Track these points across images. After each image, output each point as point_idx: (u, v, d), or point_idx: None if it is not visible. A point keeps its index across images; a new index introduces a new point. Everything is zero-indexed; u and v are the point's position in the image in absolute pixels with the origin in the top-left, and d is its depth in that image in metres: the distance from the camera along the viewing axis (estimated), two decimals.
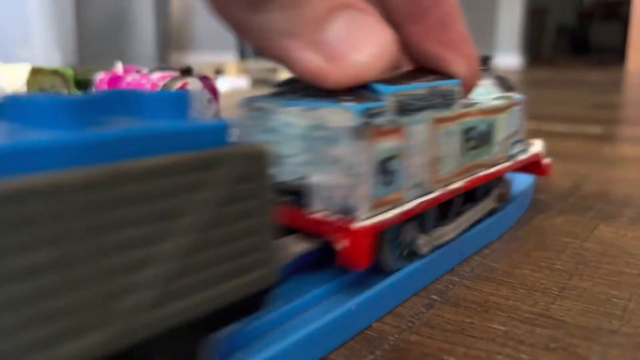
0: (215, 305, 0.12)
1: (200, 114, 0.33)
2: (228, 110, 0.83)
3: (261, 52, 0.16)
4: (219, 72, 1.38)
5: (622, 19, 3.02)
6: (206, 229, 0.11)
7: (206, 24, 2.49)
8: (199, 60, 2.49)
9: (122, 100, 0.12)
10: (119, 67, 0.46)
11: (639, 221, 0.27)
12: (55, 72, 0.48)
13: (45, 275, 0.09)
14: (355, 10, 0.15)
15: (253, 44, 0.16)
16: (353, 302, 0.16)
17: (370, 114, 0.16)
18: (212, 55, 2.46)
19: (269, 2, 0.14)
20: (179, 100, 0.12)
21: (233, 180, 0.12)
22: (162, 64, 1.57)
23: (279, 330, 0.15)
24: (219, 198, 0.11)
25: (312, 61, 0.15)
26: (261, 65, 1.33)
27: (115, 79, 0.44)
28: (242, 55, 2.23)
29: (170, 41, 2.14)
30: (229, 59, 2.17)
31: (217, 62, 1.69)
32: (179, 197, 0.11)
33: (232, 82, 1.17)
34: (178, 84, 0.34)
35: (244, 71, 1.44)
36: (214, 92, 0.36)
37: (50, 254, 0.09)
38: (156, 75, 0.41)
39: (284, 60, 0.16)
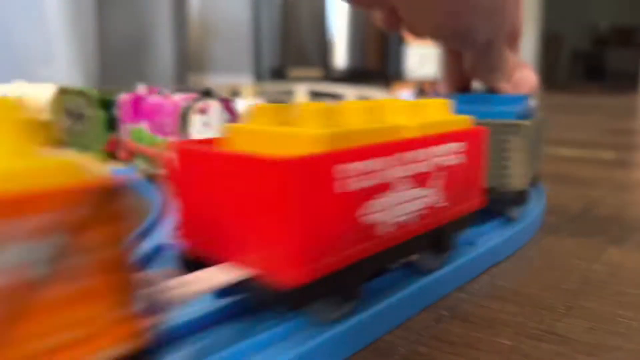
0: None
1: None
2: None
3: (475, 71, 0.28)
4: (235, 93, 1.41)
5: (638, 45, 3.02)
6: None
7: (223, 46, 2.54)
8: (215, 82, 2.54)
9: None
10: (141, 89, 0.48)
11: None
12: (80, 93, 0.50)
13: None
14: (524, 67, 0.29)
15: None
16: (364, 314, 0.17)
17: None
18: (229, 77, 2.51)
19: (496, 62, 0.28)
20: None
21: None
22: (181, 85, 1.61)
23: (296, 336, 0.16)
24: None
25: (508, 89, 0.28)
26: (277, 87, 1.36)
27: (137, 100, 0.46)
28: (258, 77, 2.26)
29: (188, 63, 2.18)
30: (245, 81, 2.21)
31: (233, 84, 1.72)
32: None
33: (248, 104, 1.20)
34: (199, 105, 0.35)
35: (260, 93, 1.47)
36: (232, 113, 0.38)
37: None
38: (178, 97, 0.42)
39: (488, 83, 0.29)
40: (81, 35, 1.54)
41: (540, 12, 3.00)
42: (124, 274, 0.10)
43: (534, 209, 0.30)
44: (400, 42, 2.26)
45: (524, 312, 0.19)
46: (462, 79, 0.30)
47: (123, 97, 0.46)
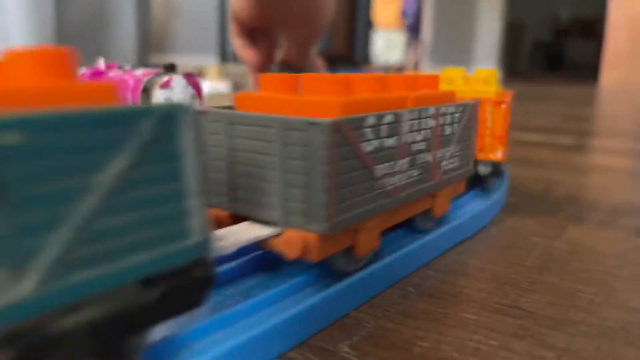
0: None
1: None
2: None
3: None
4: (199, 75, 1.38)
5: (597, 37, 3.11)
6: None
7: (187, 26, 2.48)
8: (179, 62, 2.48)
9: None
10: (101, 63, 0.46)
11: (606, 223, 0.28)
12: None
13: None
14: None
15: None
16: (330, 290, 0.17)
17: None
18: (193, 58, 2.46)
19: None
20: None
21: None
22: (143, 64, 1.56)
23: (259, 314, 0.16)
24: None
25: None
26: (242, 69, 1.33)
27: (97, 74, 0.44)
28: (223, 58, 2.22)
29: (151, 42, 2.12)
30: (210, 62, 2.16)
31: (197, 64, 1.68)
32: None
33: (213, 85, 1.17)
34: (162, 80, 0.34)
35: (225, 75, 1.44)
36: (197, 89, 0.37)
37: None
38: (140, 72, 0.41)
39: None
40: (38, 13, 1.47)
41: (504, 1, 3.05)
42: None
43: (496, 190, 0.30)
44: (368, 27, 2.26)
45: (488, 288, 0.20)
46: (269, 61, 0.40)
47: (82, 72, 0.44)
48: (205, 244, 0.12)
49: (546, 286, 0.20)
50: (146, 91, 0.38)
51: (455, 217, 0.25)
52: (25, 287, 0.09)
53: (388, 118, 0.18)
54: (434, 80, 0.22)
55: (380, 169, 0.18)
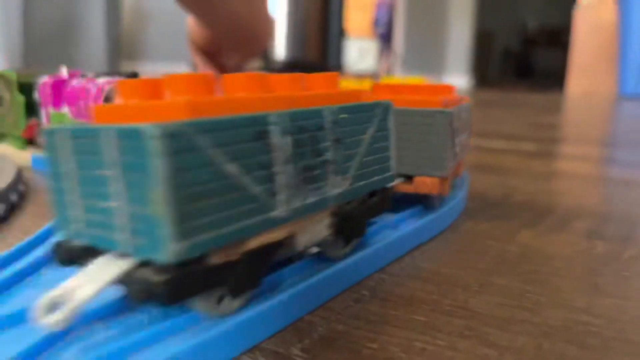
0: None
1: None
2: None
3: None
4: None
5: (564, 45, 3.20)
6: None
7: (158, 33, 2.46)
8: (149, 69, 2.46)
9: None
10: (63, 71, 0.46)
11: (557, 227, 0.29)
12: None
13: None
14: None
15: None
16: (285, 295, 0.17)
17: None
18: (164, 65, 2.44)
19: None
20: None
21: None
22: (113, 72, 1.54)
23: (211, 319, 0.16)
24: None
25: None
26: None
27: (59, 83, 0.43)
28: (194, 66, 2.22)
29: (121, 49, 2.10)
30: (181, 69, 2.15)
31: (167, 72, 1.67)
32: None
33: None
34: None
35: None
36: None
37: None
38: (102, 80, 0.40)
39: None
40: (5, 19, 1.45)
41: (473, 10, 3.12)
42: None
43: (456, 195, 0.31)
44: (340, 35, 2.28)
45: (440, 290, 0.20)
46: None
47: (43, 81, 0.43)
48: (393, 176, 0.22)
49: (496, 288, 0.21)
50: (108, 100, 0.38)
51: (412, 222, 0.26)
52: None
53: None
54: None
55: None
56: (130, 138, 0.13)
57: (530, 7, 4.46)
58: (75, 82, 0.42)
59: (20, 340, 0.14)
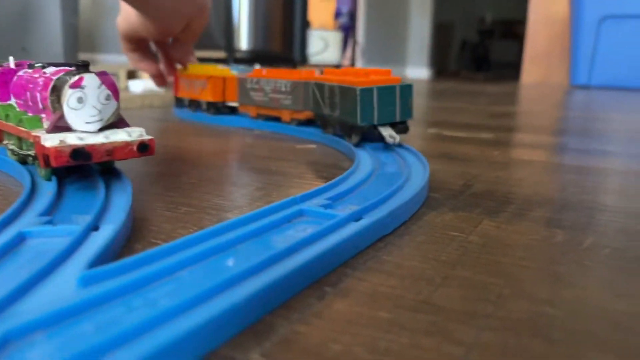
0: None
1: (98, 110, 0.31)
2: (143, 110, 0.81)
3: None
4: (131, 75, 1.33)
5: (519, 37, 3.28)
6: None
7: (116, 25, 2.39)
8: (111, 61, 2.38)
9: None
10: (11, 62, 0.43)
11: (518, 216, 0.29)
12: None
13: None
14: None
15: None
16: (242, 297, 0.16)
17: None
18: (123, 57, 2.36)
19: None
20: None
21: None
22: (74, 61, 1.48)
23: (165, 325, 0.15)
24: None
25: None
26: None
27: (6, 73, 0.41)
28: (157, 57, 2.16)
29: (80, 40, 2.02)
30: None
31: (125, 63, 1.62)
32: None
33: (146, 84, 1.13)
34: (72, 80, 0.32)
35: None
36: (113, 89, 0.35)
37: None
38: (50, 70, 0.38)
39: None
40: None
41: (432, 3, 3.15)
42: None
43: (416, 185, 0.31)
44: (305, 26, 2.26)
45: (404, 285, 0.20)
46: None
47: None
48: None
49: (458, 280, 0.20)
50: (56, 90, 0.36)
51: (373, 214, 0.25)
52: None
53: None
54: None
55: None
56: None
57: (488, 0, 4.54)
58: (21, 73, 0.39)
59: None
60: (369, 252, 0.23)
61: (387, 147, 0.44)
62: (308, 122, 0.57)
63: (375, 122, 0.43)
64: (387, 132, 0.43)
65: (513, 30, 4.31)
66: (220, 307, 0.16)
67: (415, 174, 0.35)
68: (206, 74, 0.67)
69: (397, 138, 0.43)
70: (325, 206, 0.26)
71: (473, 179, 0.38)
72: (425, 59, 3.21)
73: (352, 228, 0.23)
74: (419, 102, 1.18)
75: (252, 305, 0.17)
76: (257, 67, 0.68)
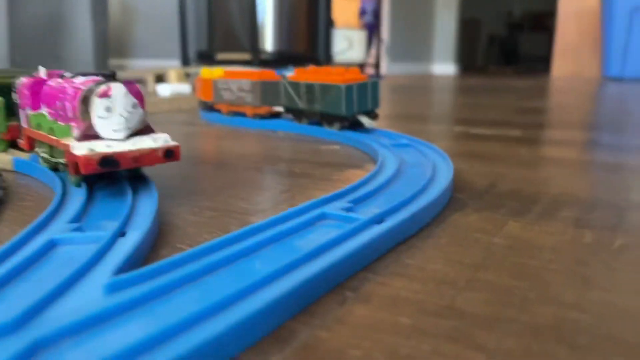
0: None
1: (125, 118, 0.32)
2: (171, 114, 0.82)
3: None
4: (160, 78, 1.36)
5: (549, 30, 3.21)
6: None
7: (147, 30, 2.43)
8: (139, 66, 2.43)
9: None
10: (41, 72, 0.45)
11: (544, 217, 0.28)
12: None
13: None
14: None
15: None
16: (264, 303, 0.16)
17: None
18: (154, 62, 2.40)
19: None
20: None
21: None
22: (104, 70, 1.52)
23: (189, 331, 0.15)
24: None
25: None
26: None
27: (37, 84, 0.42)
28: (185, 61, 2.19)
29: (109, 47, 2.07)
30: (171, 65, 2.12)
31: (158, 68, 1.65)
32: None
33: (174, 88, 1.16)
34: (101, 89, 0.33)
35: (186, 77, 1.42)
36: (139, 97, 0.36)
37: None
38: (79, 80, 0.39)
39: None
40: None
41: None
42: None
43: (440, 185, 0.30)
44: (329, 25, 2.26)
45: (426, 289, 0.20)
46: None
47: (21, 82, 0.42)
48: None
49: (482, 284, 0.20)
50: (85, 100, 0.37)
51: (395, 217, 0.25)
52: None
53: None
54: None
55: None
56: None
57: None
58: (53, 83, 0.41)
59: None
60: (391, 255, 0.23)
61: (406, 145, 0.47)
62: (272, 116, 0.68)
63: (355, 112, 0.55)
64: (364, 120, 0.57)
65: (542, 22, 4.21)
66: (244, 313, 0.16)
67: (439, 174, 0.34)
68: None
69: (373, 123, 0.59)
70: (347, 209, 0.26)
71: (498, 178, 0.38)
72: (452, 55, 3.17)
73: (374, 231, 0.23)
74: (445, 99, 1.17)
75: (275, 311, 0.17)
76: (305, 67, 0.69)
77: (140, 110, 0.33)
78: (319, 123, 0.59)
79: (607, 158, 0.46)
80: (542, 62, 3.48)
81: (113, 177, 0.34)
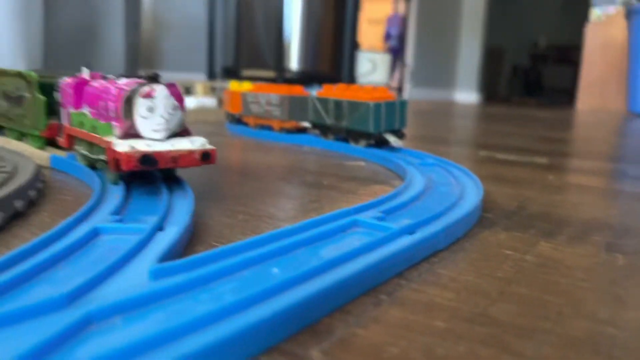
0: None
1: (165, 120, 0.33)
2: (197, 125, 0.84)
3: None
4: (186, 90, 1.39)
5: (574, 63, 3.20)
6: None
7: (176, 43, 2.49)
8: (167, 78, 2.48)
9: None
10: (85, 73, 0.46)
11: (575, 239, 0.29)
12: (19, 75, 0.47)
13: None
14: None
15: None
16: (301, 296, 0.17)
17: None
18: (181, 74, 2.46)
19: None
20: None
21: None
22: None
23: (230, 317, 0.16)
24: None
25: None
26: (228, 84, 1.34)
27: (80, 84, 0.44)
28: (211, 76, 2.23)
29: (139, 58, 2.12)
30: (198, 78, 2.17)
31: (185, 80, 1.69)
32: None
33: (200, 101, 1.18)
34: (144, 90, 0.34)
35: (212, 90, 1.45)
36: (180, 99, 0.37)
37: None
38: (123, 81, 0.41)
39: None
40: (26, 23, 1.47)
41: (484, 27, 3.12)
42: None
43: (470, 203, 0.31)
44: (354, 47, 2.29)
45: (459, 297, 0.20)
46: None
47: (65, 81, 0.44)
48: None
49: (516, 297, 0.20)
50: (129, 101, 0.38)
51: (427, 229, 0.25)
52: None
53: None
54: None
55: None
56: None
57: (541, 25, 4.46)
58: (96, 84, 0.42)
59: (36, 332, 0.14)
60: (423, 265, 0.23)
61: (433, 164, 0.47)
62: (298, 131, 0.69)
63: (382, 130, 0.55)
64: (392, 138, 0.56)
65: (567, 55, 4.20)
66: (282, 304, 0.16)
67: (469, 193, 0.34)
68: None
69: (400, 142, 0.56)
70: (379, 218, 0.27)
71: (527, 201, 0.38)
72: (475, 84, 3.18)
73: (406, 241, 0.24)
74: (468, 125, 1.17)
75: (311, 305, 0.17)
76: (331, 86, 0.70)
77: (180, 113, 0.34)
78: (345, 139, 0.60)
79: (634, 188, 0.46)
80: (565, 95, 3.47)
81: (149, 177, 0.35)
